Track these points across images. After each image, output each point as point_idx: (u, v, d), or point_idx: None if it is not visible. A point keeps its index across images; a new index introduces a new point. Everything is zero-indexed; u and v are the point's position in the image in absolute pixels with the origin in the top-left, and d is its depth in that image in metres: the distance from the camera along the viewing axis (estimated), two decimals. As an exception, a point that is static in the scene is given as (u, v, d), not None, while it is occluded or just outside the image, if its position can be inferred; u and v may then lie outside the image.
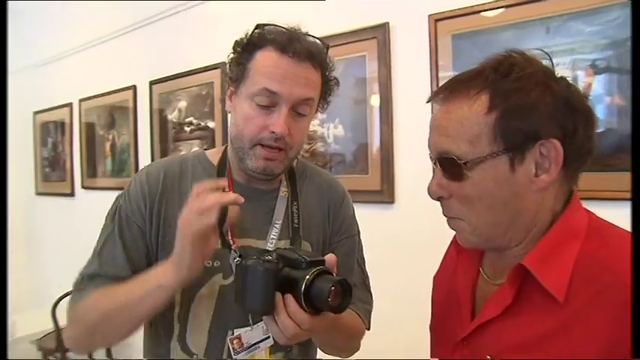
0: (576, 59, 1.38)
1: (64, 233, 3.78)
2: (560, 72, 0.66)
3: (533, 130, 0.61)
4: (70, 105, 3.57)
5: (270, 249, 0.87)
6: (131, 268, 0.86)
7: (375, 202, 1.80)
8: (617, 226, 0.66)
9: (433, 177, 0.69)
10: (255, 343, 0.86)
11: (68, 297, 2.63)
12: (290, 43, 0.82)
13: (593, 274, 0.60)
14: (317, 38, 0.88)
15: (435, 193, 0.68)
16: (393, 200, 1.77)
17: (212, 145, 2.50)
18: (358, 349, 1.01)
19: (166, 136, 2.79)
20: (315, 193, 0.99)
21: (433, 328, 0.88)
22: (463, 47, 1.56)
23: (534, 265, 0.62)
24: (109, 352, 2.90)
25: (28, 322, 3.19)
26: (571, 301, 0.59)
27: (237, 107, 0.87)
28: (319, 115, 1.93)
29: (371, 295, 1.04)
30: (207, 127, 2.56)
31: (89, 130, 3.42)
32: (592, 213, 0.68)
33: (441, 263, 0.91)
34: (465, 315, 0.73)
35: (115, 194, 2.73)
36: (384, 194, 1.78)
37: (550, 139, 0.61)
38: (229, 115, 0.94)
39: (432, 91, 1.54)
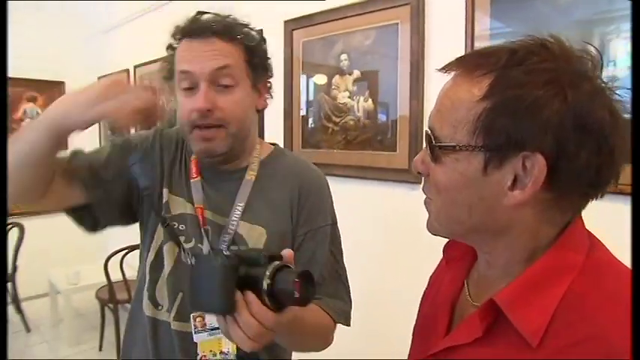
0: None
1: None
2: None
3: (521, 136, 0.51)
4: (127, 71, 3.73)
5: (225, 244, 0.89)
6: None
7: (400, 182, 1.72)
8: (621, 264, 0.55)
9: (422, 150, 0.63)
10: (217, 327, 0.86)
11: (120, 253, 2.81)
12: (191, 25, 0.88)
13: (575, 320, 0.51)
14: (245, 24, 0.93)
15: (415, 168, 0.64)
16: (421, 180, 1.68)
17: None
18: (328, 344, 0.98)
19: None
20: (282, 180, 0.97)
21: (414, 332, 0.82)
22: (504, 13, 1.41)
23: (508, 304, 0.54)
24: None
25: (90, 272, 3.45)
26: (546, 346, 0.51)
27: (177, 102, 0.91)
28: (349, 86, 1.87)
29: (346, 288, 1.01)
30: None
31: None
32: (598, 243, 0.58)
33: (439, 264, 0.84)
34: (440, 331, 0.67)
35: None
36: (411, 173, 1.68)
37: (537, 153, 0.51)
38: None
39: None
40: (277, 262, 0.65)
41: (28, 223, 3.69)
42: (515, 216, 0.56)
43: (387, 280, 1.72)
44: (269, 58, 0.96)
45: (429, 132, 0.59)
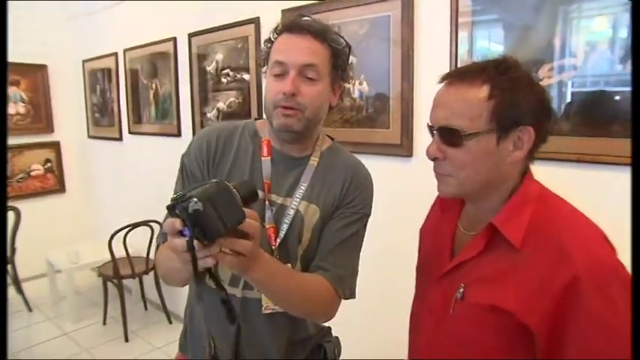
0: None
1: (114, 174, 4.12)
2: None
3: (518, 118, 0.82)
4: (115, 54, 3.78)
5: (288, 218, 1.06)
6: None
7: (394, 155, 1.95)
8: (559, 197, 0.88)
9: (433, 142, 0.88)
10: None
11: (123, 230, 2.97)
12: (293, 22, 1.04)
13: (539, 230, 0.81)
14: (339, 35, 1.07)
15: (432, 155, 0.88)
16: (412, 154, 1.92)
17: (247, 97, 2.67)
18: (329, 313, 1.07)
19: (205, 85, 2.97)
20: (339, 169, 1.12)
21: (419, 269, 1.09)
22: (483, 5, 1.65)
23: (501, 224, 0.84)
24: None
25: (88, 251, 3.59)
26: (524, 248, 0.81)
27: (266, 84, 1.06)
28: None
29: (354, 271, 1.11)
30: (243, 79, 2.71)
31: (134, 78, 3.64)
32: (542, 185, 0.89)
33: (426, 219, 1.13)
34: (445, 257, 0.95)
35: (158, 139, 3.09)
36: (404, 148, 1.92)
37: (527, 126, 0.82)
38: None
39: (450, 51, 1.65)
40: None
41: (22, 205, 3.77)
42: (510, 169, 0.86)
43: (385, 239, 1.95)
44: (350, 64, 1.10)
45: (449, 127, 0.83)
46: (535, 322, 0.77)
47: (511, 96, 0.81)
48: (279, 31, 1.06)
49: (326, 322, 1.14)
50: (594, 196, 1.36)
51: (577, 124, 1.47)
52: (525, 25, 1.56)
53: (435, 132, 0.87)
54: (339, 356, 1.27)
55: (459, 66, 1.66)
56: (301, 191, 1.08)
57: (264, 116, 1.11)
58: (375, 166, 2.02)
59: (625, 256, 0.79)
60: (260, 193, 1.04)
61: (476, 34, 1.67)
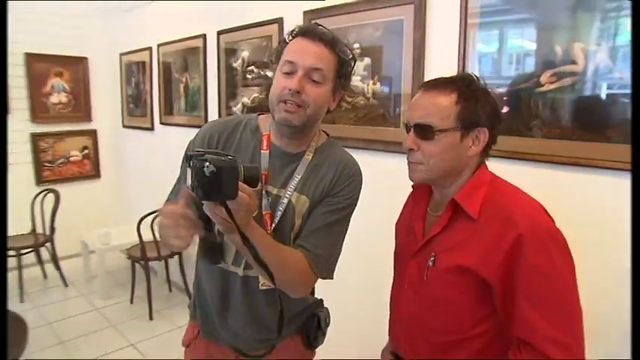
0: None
1: (145, 162, 4.34)
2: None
3: (477, 121, 1.05)
4: (149, 49, 3.99)
5: (282, 207, 1.18)
6: None
7: (404, 153, 2.04)
8: (507, 182, 1.10)
9: (409, 136, 1.10)
10: None
11: (151, 215, 3.17)
12: (307, 29, 1.15)
13: (491, 204, 1.04)
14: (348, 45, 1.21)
15: (409, 146, 1.09)
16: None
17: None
18: (304, 287, 1.20)
19: (231, 81, 3.13)
20: (330, 164, 1.21)
21: (396, 256, 1.28)
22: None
23: (461, 200, 1.06)
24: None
25: (119, 234, 3.82)
26: (479, 220, 1.03)
27: (274, 81, 1.16)
28: (361, 71, 2.14)
29: (334, 254, 1.21)
30: (267, 75, 2.85)
31: (166, 72, 3.84)
32: (494, 174, 1.13)
33: (401, 213, 1.32)
34: (419, 236, 1.16)
35: (187, 130, 3.32)
36: (412, 146, 2.01)
37: (484, 128, 1.06)
38: None
39: (458, 52, 1.74)
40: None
41: (61, 188, 4.04)
42: (468, 161, 1.09)
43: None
44: (353, 74, 1.21)
45: (424, 124, 1.05)
46: (491, 275, 0.98)
47: (473, 103, 1.04)
48: (294, 34, 1.16)
49: (300, 296, 1.22)
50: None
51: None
52: (544, 24, 1.62)
53: (411, 128, 1.08)
54: (328, 325, 1.42)
55: (467, 67, 1.78)
56: (294, 184, 1.18)
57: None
58: (385, 162, 2.13)
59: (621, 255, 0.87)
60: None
61: (481, 35, 1.75)
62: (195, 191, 0.85)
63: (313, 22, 2.28)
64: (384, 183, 2.09)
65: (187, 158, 0.86)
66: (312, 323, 1.36)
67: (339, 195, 1.20)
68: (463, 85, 1.05)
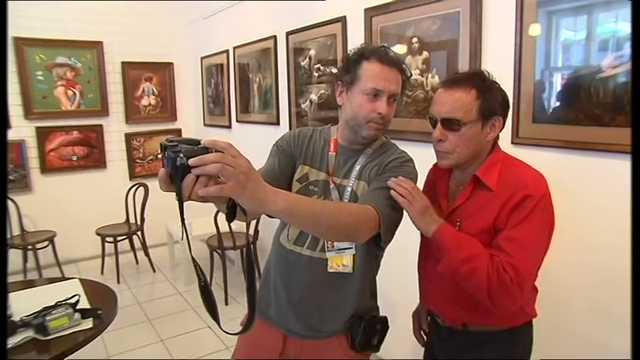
0: None
1: (224, 158, 4.63)
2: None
3: (494, 111, 1.23)
4: (226, 51, 4.27)
5: (347, 194, 1.33)
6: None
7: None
8: (516, 158, 1.29)
9: (436, 129, 1.25)
10: (342, 248, 1.33)
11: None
12: (385, 55, 1.28)
13: (504, 179, 1.23)
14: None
15: (438, 137, 1.25)
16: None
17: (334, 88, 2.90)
18: (366, 236, 1.15)
19: (300, 79, 3.27)
20: (386, 154, 1.35)
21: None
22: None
23: (482, 175, 1.25)
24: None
25: (200, 225, 4.12)
26: (495, 190, 1.22)
27: (352, 99, 1.30)
28: (419, 65, 2.19)
29: (388, 214, 1.22)
30: (332, 72, 2.95)
31: (242, 72, 4.09)
32: (506, 153, 1.31)
33: (423, 189, 1.43)
34: (444, 206, 1.35)
35: (261, 127, 3.57)
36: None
37: (499, 116, 1.25)
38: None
39: (514, 44, 1.75)
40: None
41: (150, 183, 4.45)
42: (487, 145, 1.28)
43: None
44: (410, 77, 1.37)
45: (450, 117, 1.21)
46: (501, 224, 1.19)
47: (490, 96, 1.21)
48: (367, 56, 1.28)
49: (360, 240, 1.20)
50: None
51: None
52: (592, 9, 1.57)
53: (437, 121, 1.24)
54: (379, 332, 1.42)
55: (522, 59, 1.77)
56: (355, 173, 1.34)
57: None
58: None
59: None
60: (324, 176, 1.37)
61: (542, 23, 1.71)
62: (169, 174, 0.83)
63: (373, 18, 2.35)
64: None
65: (161, 147, 0.84)
66: (359, 326, 1.39)
67: (394, 172, 1.28)
68: (480, 81, 1.22)
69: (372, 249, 1.29)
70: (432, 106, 1.28)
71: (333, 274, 1.35)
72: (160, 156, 5.03)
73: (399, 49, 2.30)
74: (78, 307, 1.88)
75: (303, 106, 3.28)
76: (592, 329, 1.69)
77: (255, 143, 4.27)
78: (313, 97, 3.15)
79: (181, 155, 0.79)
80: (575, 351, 1.73)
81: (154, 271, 4.43)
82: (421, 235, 1.37)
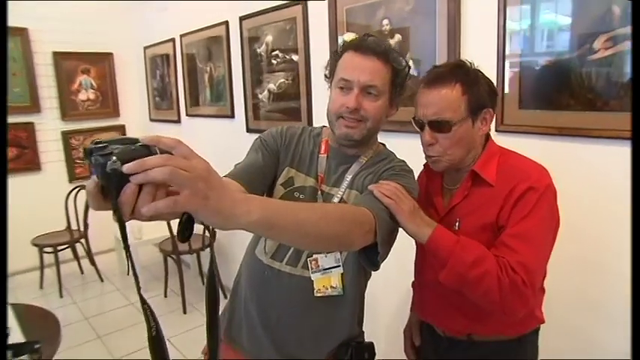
0: None
1: (174, 155, 4.33)
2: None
3: (483, 104, 1.14)
4: (172, 40, 3.95)
5: None
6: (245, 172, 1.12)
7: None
8: (512, 151, 1.22)
9: (425, 132, 1.15)
10: (328, 268, 1.15)
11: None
12: (360, 43, 1.13)
13: (504, 172, 1.15)
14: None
15: (429, 142, 1.15)
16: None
17: (296, 77, 2.70)
18: (365, 241, 0.96)
19: (256, 67, 3.04)
20: (382, 163, 1.20)
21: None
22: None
23: (479, 169, 1.17)
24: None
25: (151, 228, 3.81)
26: (496, 185, 1.14)
27: (330, 94, 1.18)
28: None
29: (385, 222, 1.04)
30: (292, 59, 2.74)
31: (190, 63, 3.79)
32: (500, 145, 1.23)
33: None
34: (439, 206, 1.25)
35: (213, 121, 3.26)
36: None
37: (488, 108, 1.15)
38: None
39: (497, 24, 1.62)
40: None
41: (92, 185, 4.07)
42: (479, 139, 1.19)
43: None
44: (410, 78, 1.20)
45: (439, 119, 1.11)
46: (503, 220, 1.10)
47: (476, 89, 1.12)
48: (345, 47, 1.16)
49: (354, 248, 1.02)
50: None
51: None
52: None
53: (425, 124, 1.14)
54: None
55: (506, 40, 1.65)
56: (346, 182, 1.18)
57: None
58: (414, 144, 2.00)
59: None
60: (312, 182, 1.20)
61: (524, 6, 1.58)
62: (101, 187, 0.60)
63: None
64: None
65: (85, 153, 0.60)
66: (345, 354, 1.22)
67: (390, 175, 1.14)
68: (463, 74, 1.12)
69: (367, 267, 1.12)
70: (416, 108, 1.17)
71: (319, 297, 1.17)
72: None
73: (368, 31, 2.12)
74: (9, 342, 1.58)
75: (260, 96, 3.05)
76: (582, 321, 1.63)
77: (207, 139, 4.03)
78: (272, 86, 2.93)
79: (113, 159, 0.57)
80: (562, 343, 1.65)
81: (102, 280, 4.07)
82: (416, 243, 1.22)
